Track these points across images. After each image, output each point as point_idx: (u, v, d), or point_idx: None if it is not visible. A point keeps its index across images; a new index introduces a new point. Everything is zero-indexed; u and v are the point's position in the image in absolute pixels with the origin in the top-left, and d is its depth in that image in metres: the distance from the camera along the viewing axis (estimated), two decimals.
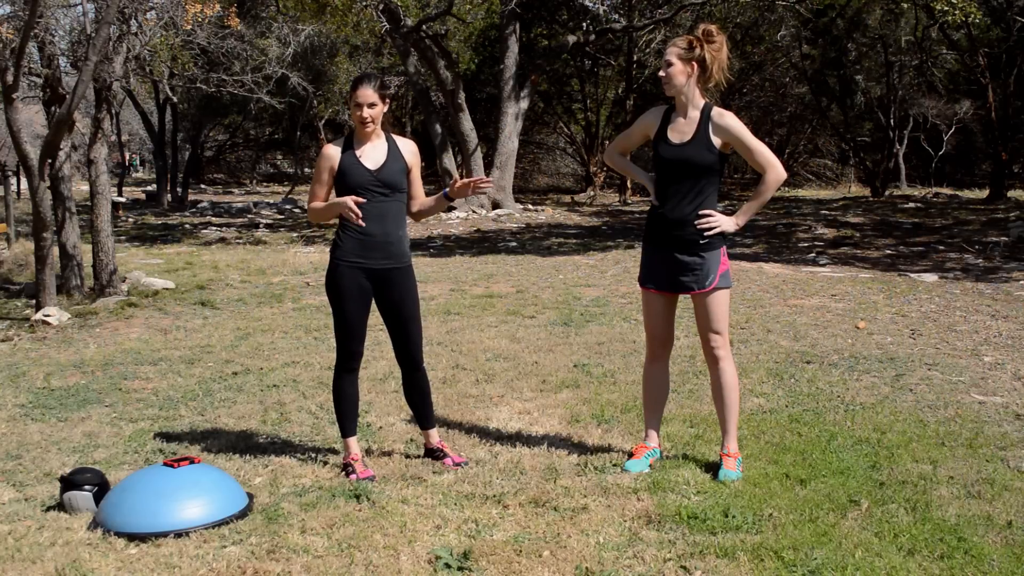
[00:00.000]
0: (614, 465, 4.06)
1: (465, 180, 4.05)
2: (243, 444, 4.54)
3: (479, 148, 20.48)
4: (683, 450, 4.30)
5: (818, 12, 22.42)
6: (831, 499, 3.65)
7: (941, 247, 12.76)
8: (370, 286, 4.02)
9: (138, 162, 48.46)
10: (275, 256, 13.17)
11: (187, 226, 18.47)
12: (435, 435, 4.31)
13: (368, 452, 4.37)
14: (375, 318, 4.20)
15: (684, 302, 4.27)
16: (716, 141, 3.86)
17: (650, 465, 4.06)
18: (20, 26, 8.57)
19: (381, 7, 17.38)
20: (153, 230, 17.70)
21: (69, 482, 3.72)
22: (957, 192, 25.15)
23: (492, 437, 4.57)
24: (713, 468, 3.99)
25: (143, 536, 3.38)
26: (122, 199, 21.80)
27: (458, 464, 4.15)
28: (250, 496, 3.74)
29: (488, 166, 21.31)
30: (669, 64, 3.87)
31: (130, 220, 19.76)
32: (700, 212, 3.89)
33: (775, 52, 27.31)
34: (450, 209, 19.60)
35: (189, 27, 11.74)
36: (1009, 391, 5.31)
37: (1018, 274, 10.00)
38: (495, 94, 23.17)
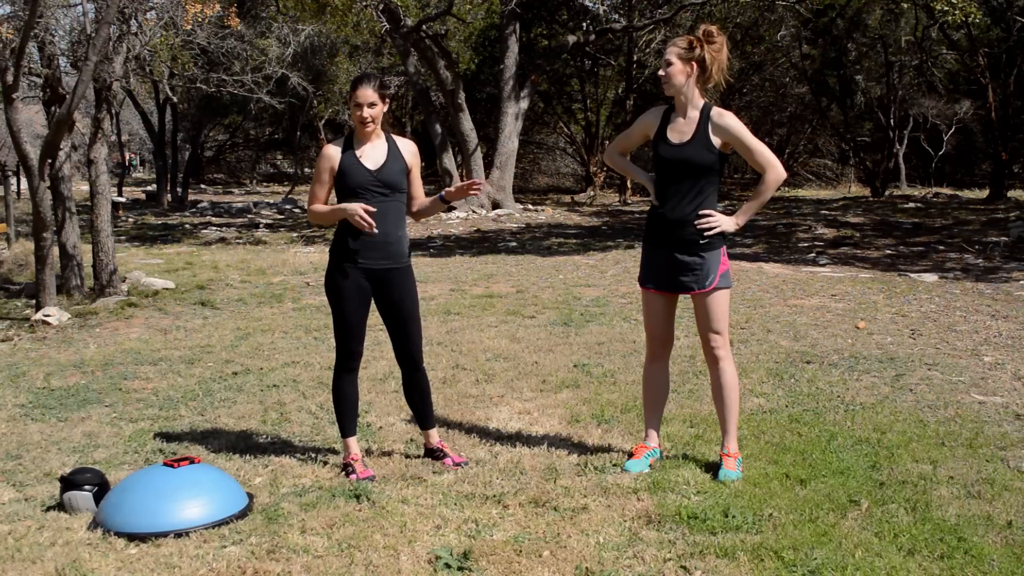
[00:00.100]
0: (614, 465, 4.06)
1: (459, 184, 4.05)
2: (243, 444, 4.54)
3: (479, 148, 20.48)
4: (683, 450, 4.30)
5: (818, 12, 22.42)
6: (831, 499, 3.65)
7: (941, 247, 12.76)
8: (369, 286, 4.02)
9: (138, 162, 48.45)
10: (275, 256, 13.17)
11: (187, 226, 18.47)
12: (435, 435, 4.31)
13: (368, 452, 4.37)
14: (375, 318, 4.20)
15: (684, 302, 4.27)
16: (716, 141, 3.86)
17: (650, 465, 4.06)
18: (20, 26, 8.57)
19: (381, 7, 17.38)
20: (153, 230, 17.70)
21: (69, 482, 3.73)
22: (957, 192, 25.15)
23: (492, 437, 4.57)
24: (713, 468, 3.99)
25: (143, 536, 3.38)
26: (122, 199, 21.80)
27: (458, 464, 4.15)
28: (250, 496, 3.74)
29: (488, 166, 21.31)
30: (669, 64, 3.87)
31: (130, 220, 19.76)
32: (700, 212, 3.89)
33: (775, 52, 27.31)
34: (450, 209, 19.60)
35: (189, 27, 11.74)
36: (1009, 391, 5.31)
37: (1018, 274, 10.00)
38: (495, 94, 23.17)
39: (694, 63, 3.84)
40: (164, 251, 13.99)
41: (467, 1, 22.30)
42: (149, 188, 28.23)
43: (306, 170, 34.45)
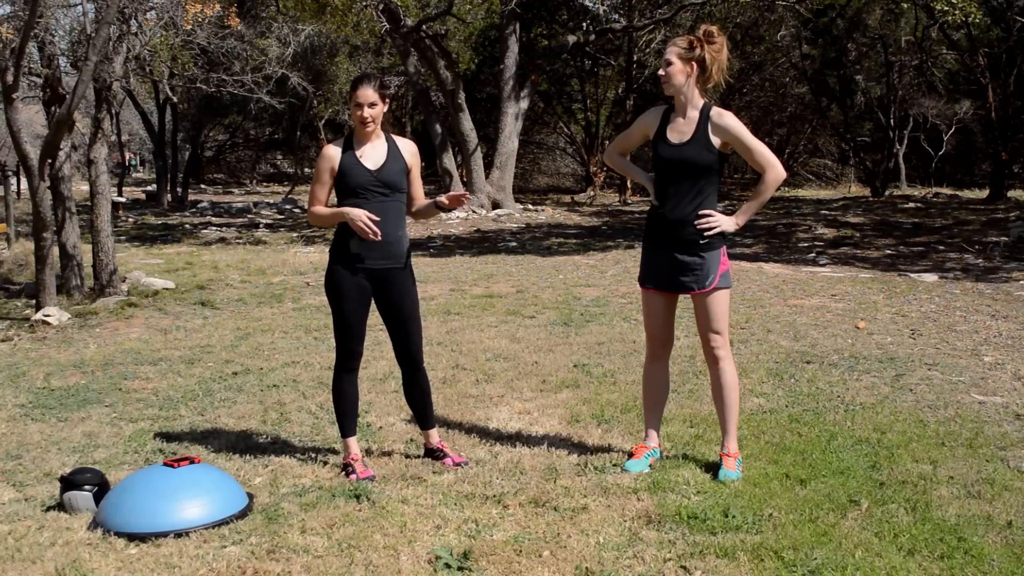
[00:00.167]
0: (614, 465, 4.06)
1: (452, 194, 4.04)
2: (243, 444, 4.54)
3: (479, 148, 20.48)
4: (683, 450, 4.30)
5: (818, 12, 22.42)
6: (831, 499, 3.65)
7: (941, 247, 12.76)
8: (369, 286, 4.01)
9: (138, 162, 48.45)
10: (275, 256, 13.17)
11: (187, 226, 18.47)
12: (435, 435, 4.31)
13: (368, 452, 4.37)
14: (375, 318, 4.20)
15: (684, 302, 4.27)
16: (715, 141, 3.86)
17: (650, 465, 4.06)
18: (20, 26, 8.57)
19: (381, 7, 17.38)
20: (153, 230, 17.70)
21: (69, 482, 3.73)
22: (957, 192, 25.15)
23: (492, 437, 4.57)
24: (713, 468, 3.99)
25: (143, 536, 3.38)
26: (122, 199, 21.80)
27: (458, 464, 4.15)
28: (250, 496, 3.74)
29: (488, 166, 21.30)
30: (669, 63, 3.87)
31: (130, 220, 19.76)
32: (700, 212, 3.89)
33: (775, 52, 27.31)
34: (450, 209, 19.58)
35: (189, 27, 11.75)
36: (1009, 391, 5.31)
37: (1018, 274, 10.00)
38: (495, 94, 23.17)
39: (694, 63, 3.84)
40: (164, 251, 13.99)
41: (467, 1, 22.30)
42: (149, 188, 28.23)
43: (306, 170, 34.45)
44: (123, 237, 15.59)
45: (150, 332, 7.65)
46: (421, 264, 11.48)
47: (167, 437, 4.69)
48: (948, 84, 27.49)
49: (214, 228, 17.94)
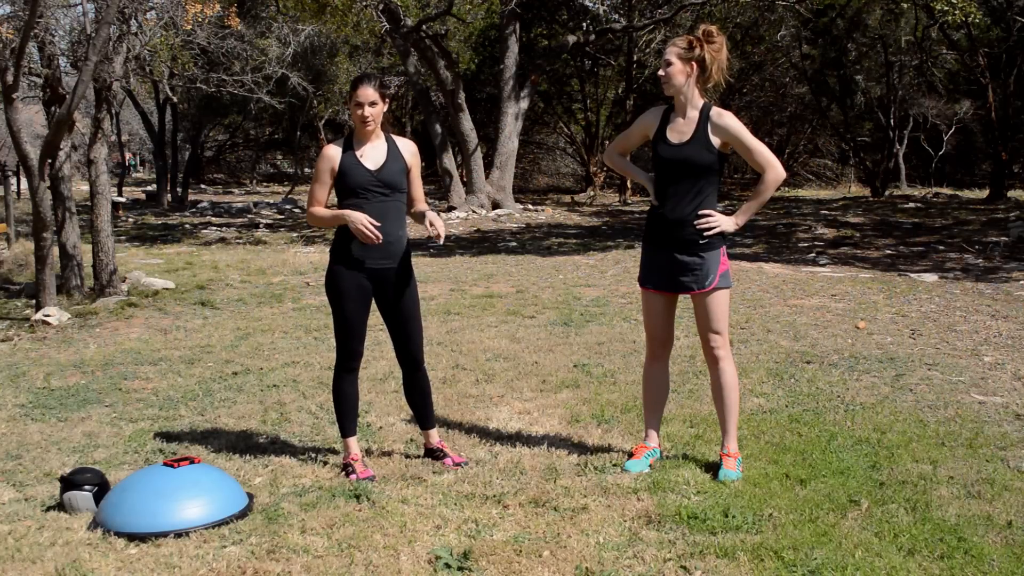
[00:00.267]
0: (614, 465, 4.06)
1: (437, 226, 3.91)
2: (243, 444, 4.54)
3: (479, 148, 20.49)
4: (683, 450, 4.30)
5: (818, 12, 22.43)
6: (831, 499, 3.65)
7: (941, 247, 12.76)
8: (370, 286, 4.01)
9: (138, 162, 48.45)
10: (275, 256, 13.17)
11: (187, 226, 18.47)
12: (435, 435, 4.31)
13: (368, 452, 4.37)
14: (375, 318, 4.20)
15: (684, 302, 4.27)
16: (715, 141, 3.86)
17: (650, 465, 4.06)
18: (20, 26, 8.57)
19: (381, 7, 17.38)
20: (153, 230, 17.70)
21: (69, 482, 3.72)
22: (957, 192, 25.16)
23: (492, 437, 4.57)
24: (713, 468, 3.99)
25: (143, 536, 3.38)
26: (122, 199, 21.80)
27: (458, 464, 4.15)
28: (250, 496, 3.74)
29: (488, 166, 21.31)
30: (669, 63, 3.87)
31: (130, 220, 19.76)
32: (700, 212, 3.89)
33: (775, 52, 27.31)
34: (450, 209, 19.61)
35: (189, 27, 11.75)
36: (1009, 391, 5.31)
37: (1018, 274, 10.00)
38: (495, 94, 23.17)
39: (694, 63, 3.84)
40: (164, 251, 13.99)
41: (467, 1, 22.29)
42: (149, 188, 28.22)
43: (306, 170, 34.44)
44: (123, 237, 15.59)
45: (150, 332, 7.65)
46: (421, 264, 11.48)
47: (167, 437, 4.69)
48: (948, 84, 27.49)
49: (214, 228, 17.94)
